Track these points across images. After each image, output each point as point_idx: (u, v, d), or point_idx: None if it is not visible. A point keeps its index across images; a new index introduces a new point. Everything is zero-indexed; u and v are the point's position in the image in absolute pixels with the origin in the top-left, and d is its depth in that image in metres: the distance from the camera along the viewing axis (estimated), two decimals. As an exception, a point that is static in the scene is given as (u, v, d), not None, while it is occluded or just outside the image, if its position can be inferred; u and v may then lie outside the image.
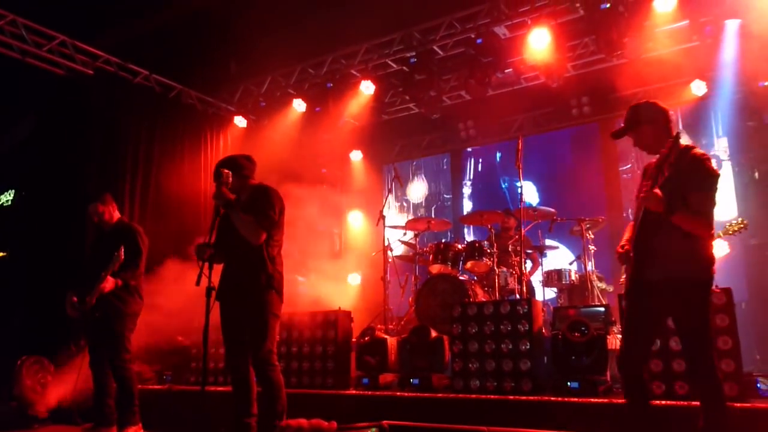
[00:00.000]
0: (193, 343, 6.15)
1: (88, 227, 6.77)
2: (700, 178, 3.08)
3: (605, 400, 3.92)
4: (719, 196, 3.12)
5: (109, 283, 4.71)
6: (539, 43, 6.80)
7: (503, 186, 9.23)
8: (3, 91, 7.60)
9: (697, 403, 3.05)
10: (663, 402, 3.69)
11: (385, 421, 1.09)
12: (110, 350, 4.86)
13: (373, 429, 1.08)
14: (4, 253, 8.06)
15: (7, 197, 8.20)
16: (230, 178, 3.76)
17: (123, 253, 4.73)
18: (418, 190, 9.86)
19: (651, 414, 3.17)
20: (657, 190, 3.01)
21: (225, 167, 3.82)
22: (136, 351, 5.23)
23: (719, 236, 5.20)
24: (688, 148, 3.19)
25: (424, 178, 9.88)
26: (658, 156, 3.12)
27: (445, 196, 9.77)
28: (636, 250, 3.13)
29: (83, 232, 6.76)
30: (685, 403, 3.68)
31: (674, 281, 3.03)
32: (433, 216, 9.36)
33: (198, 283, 3.95)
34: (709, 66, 7.12)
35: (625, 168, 7.71)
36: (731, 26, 6.65)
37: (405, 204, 10.05)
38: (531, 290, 6.89)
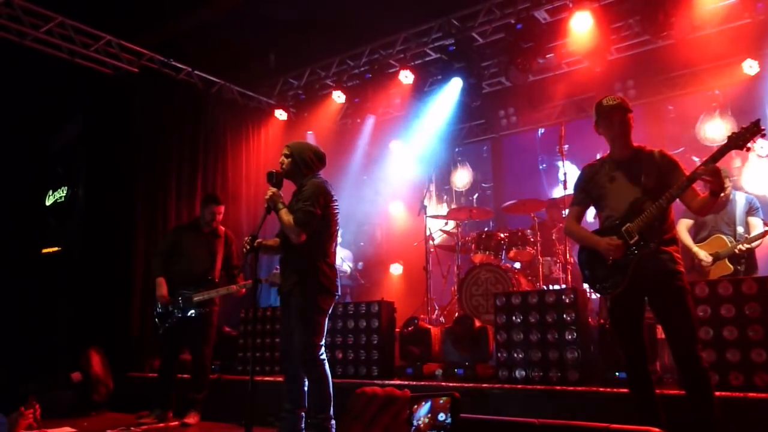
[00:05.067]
0: (240, 334, 6.27)
1: (138, 222, 6.99)
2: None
3: (656, 391, 3.83)
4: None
5: (242, 292, 5.28)
6: (581, 27, 6.63)
7: (541, 167, 9.09)
8: (54, 90, 7.86)
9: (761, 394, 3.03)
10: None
11: (456, 392, 1.12)
12: (201, 343, 5.30)
13: (445, 398, 1.12)
14: (59, 248, 8.36)
15: (61, 194, 8.49)
16: (282, 175, 3.93)
17: (232, 260, 5.47)
18: (462, 177, 9.80)
19: (658, 403, 3.27)
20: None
21: (290, 154, 3.97)
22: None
23: None
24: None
25: (468, 166, 9.80)
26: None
27: (483, 185, 9.68)
28: None
29: (134, 225, 6.98)
30: (741, 394, 3.58)
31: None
32: (474, 205, 9.29)
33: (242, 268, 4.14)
34: (761, 44, 6.83)
35: (677, 152, 7.49)
36: (786, 1, 6.36)
37: (446, 194, 9.99)
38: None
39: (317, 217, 3.82)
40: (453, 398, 1.19)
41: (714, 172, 3.01)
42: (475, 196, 9.60)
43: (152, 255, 6.71)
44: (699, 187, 3.20)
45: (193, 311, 5.17)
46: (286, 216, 3.79)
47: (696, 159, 7.07)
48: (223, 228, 5.62)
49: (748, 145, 2.99)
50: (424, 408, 1.18)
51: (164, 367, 5.37)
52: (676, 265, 3.19)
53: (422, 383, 4.90)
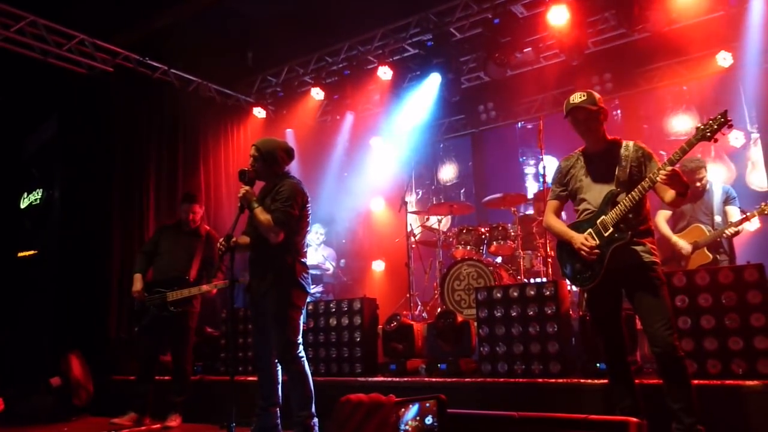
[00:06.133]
0: (222, 334, 6.23)
1: (115, 223, 6.90)
2: None
3: (636, 381, 3.87)
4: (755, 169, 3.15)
5: (213, 292, 5.12)
6: (558, 21, 6.66)
7: (521, 159, 9.15)
8: (27, 91, 7.70)
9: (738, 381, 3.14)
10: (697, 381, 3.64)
11: (442, 395, 1.11)
12: (179, 345, 5.24)
13: (430, 401, 1.11)
14: (35, 251, 8.22)
15: (36, 196, 8.33)
16: (254, 174, 3.89)
17: (211, 261, 5.29)
18: (448, 171, 9.84)
19: (637, 393, 3.36)
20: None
21: (259, 154, 3.92)
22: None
23: (755, 215, 5.09)
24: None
25: (454, 159, 9.85)
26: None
27: (455, 181, 9.74)
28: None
29: (110, 227, 6.89)
30: (719, 382, 3.63)
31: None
32: (462, 199, 9.34)
33: (218, 265, 4.11)
34: (734, 36, 6.93)
35: (681, 135, 7.61)
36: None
37: (429, 189, 10.01)
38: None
39: (295, 218, 3.85)
40: (439, 401, 1.18)
41: (672, 176, 3.05)
42: (460, 191, 9.64)
43: (129, 256, 6.67)
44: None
45: (167, 310, 5.10)
46: (263, 215, 3.76)
47: (663, 153, 7.17)
48: (206, 228, 5.57)
49: (716, 136, 3.03)
50: (411, 412, 1.17)
51: (141, 368, 5.29)
52: (652, 257, 3.23)
53: (406, 379, 4.90)
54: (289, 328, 3.81)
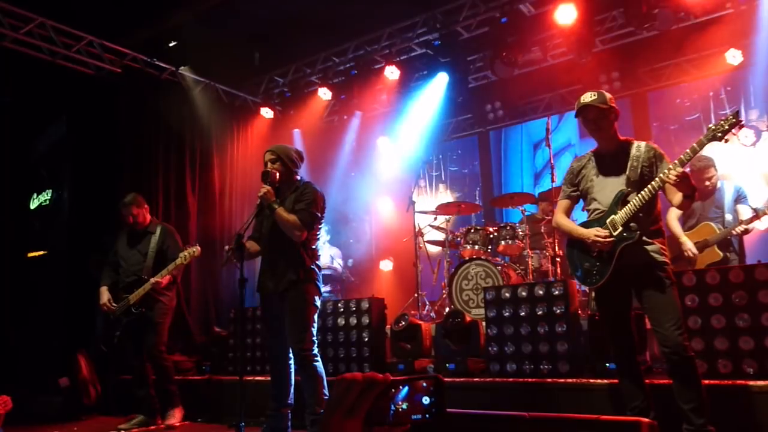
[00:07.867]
0: (230, 334, 6.24)
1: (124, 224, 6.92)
2: None
3: (646, 381, 3.85)
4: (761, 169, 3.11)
5: (164, 280, 5.06)
6: (566, 19, 6.63)
7: (530, 159, 9.13)
8: (36, 92, 7.75)
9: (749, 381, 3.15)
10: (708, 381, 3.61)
11: (440, 375, 1.09)
12: (150, 341, 5.15)
13: (427, 381, 1.10)
14: (44, 252, 8.26)
15: (45, 197, 8.38)
16: (277, 177, 3.96)
17: (169, 253, 5.14)
18: (455, 171, 9.84)
19: (648, 393, 3.34)
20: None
21: (277, 157, 4.03)
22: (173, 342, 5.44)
23: (766, 213, 5.06)
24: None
25: (459, 161, 9.83)
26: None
27: (467, 180, 9.72)
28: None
29: (120, 229, 6.91)
30: (730, 381, 3.61)
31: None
32: (476, 199, 9.31)
33: (223, 265, 4.17)
34: (744, 33, 6.88)
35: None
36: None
37: (438, 188, 9.99)
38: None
39: (318, 220, 3.99)
40: (436, 380, 1.16)
41: (682, 177, 3.04)
42: (469, 190, 9.61)
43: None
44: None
45: (131, 314, 5.06)
46: (288, 215, 3.85)
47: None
48: (158, 223, 5.47)
49: (727, 137, 3.01)
50: (403, 391, 1.15)
51: (133, 375, 5.27)
52: (662, 257, 3.21)
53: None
54: (307, 327, 3.88)
